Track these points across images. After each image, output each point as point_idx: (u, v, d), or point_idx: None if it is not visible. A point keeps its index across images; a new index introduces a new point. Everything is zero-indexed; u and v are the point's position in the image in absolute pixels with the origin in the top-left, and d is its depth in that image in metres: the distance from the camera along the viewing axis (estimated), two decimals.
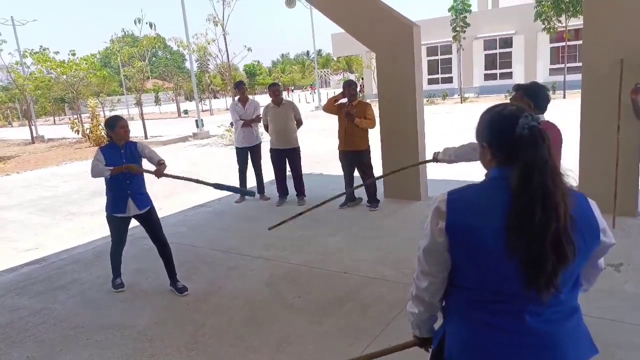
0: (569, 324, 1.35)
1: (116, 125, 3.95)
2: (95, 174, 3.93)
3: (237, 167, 7.13)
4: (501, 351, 1.33)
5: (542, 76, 26.91)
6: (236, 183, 7.24)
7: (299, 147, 6.66)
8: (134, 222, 4.22)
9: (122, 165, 3.91)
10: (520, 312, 1.31)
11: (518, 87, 2.96)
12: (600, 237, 1.35)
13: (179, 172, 4.22)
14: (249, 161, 7.05)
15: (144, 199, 4.10)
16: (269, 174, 7.12)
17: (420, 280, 1.47)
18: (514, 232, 1.25)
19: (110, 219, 4.13)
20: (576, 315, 1.37)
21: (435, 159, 3.19)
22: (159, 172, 4.06)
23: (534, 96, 2.87)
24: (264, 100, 7.55)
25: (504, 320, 1.32)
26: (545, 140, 1.28)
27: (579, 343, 1.36)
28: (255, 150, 7.01)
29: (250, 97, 7.37)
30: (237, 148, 7.08)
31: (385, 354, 1.83)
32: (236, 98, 7.19)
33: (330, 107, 6.14)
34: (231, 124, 7.06)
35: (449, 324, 1.45)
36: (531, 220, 1.23)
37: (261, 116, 6.87)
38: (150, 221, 4.15)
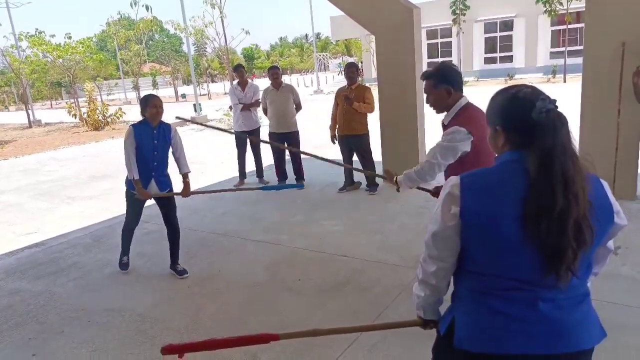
0: (580, 309, 1.34)
1: (148, 104, 3.86)
2: (126, 163, 3.90)
3: (236, 151, 7.11)
4: (514, 340, 1.30)
5: (542, 60, 26.75)
6: (235, 167, 7.23)
7: (298, 131, 6.64)
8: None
9: (143, 189, 3.94)
10: (534, 300, 1.29)
11: (427, 76, 2.61)
12: (615, 218, 1.33)
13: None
14: (248, 145, 7.03)
15: (166, 181, 4.10)
16: (267, 158, 7.11)
17: (428, 264, 1.45)
18: (533, 220, 1.22)
19: (129, 195, 4.12)
20: (587, 300, 1.36)
21: (394, 181, 2.89)
22: (186, 192, 4.12)
23: (449, 79, 2.54)
24: (262, 84, 7.50)
25: (518, 308, 1.30)
26: (564, 123, 1.25)
27: (590, 328, 1.35)
28: (254, 135, 6.98)
29: (250, 80, 7.31)
30: (235, 132, 7.05)
31: (387, 328, 1.85)
32: (235, 82, 7.14)
33: (334, 118, 6.15)
34: (230, 107, 7.02)
35: (459, 310, 1.42)
36: (552, 208, 1.20)
37: (260, 100, 6.84)
38: (167, 203, 4.14)
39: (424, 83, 2.63)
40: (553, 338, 1.29)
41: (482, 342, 1.34)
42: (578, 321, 1.33)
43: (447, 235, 1.36)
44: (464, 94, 2.63)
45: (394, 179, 2.88)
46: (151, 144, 3.92)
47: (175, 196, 4.17)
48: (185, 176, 4.15)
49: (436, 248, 1.40)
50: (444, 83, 2.54)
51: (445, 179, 2.70)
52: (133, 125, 3.96)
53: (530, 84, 1.38)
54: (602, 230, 1.30)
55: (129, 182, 4.04)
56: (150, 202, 4.19)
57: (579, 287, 1.33)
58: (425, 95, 2.68)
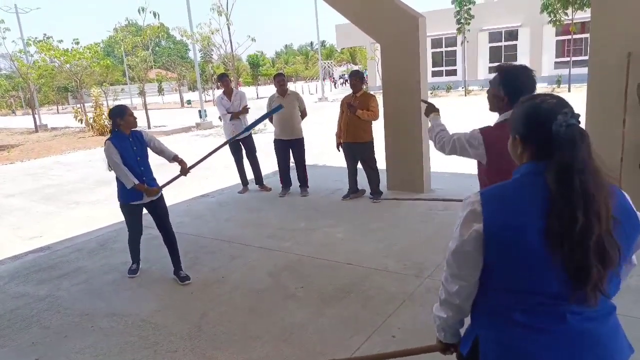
0: (609, 322, 1.31)
1: (125, 113, 3.97)
2: (119, 174, 3.95)
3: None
4: (547, 354, 1.26)
5: (547, 69, 26.75)
6: (236, 176, 7.24)
7: (303, 138, 6.65)
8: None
9: (142, 185, 4.00)
10: (563, 313, 1.26)
11: (496, 68, 2.29)
12: None
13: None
14: (244, 153, 7.03)
15: (156, 185, 4.15)
16: (266, 164, 7.11)
17: (450, 284, 1.40)
18: (555, 239, 1.19)
19: (125, 207, 4.17)
20: (614, 313, 1.33)
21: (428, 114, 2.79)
22: (185, 171, 4.21)
23: (509, 86, 2.19)
24: (269, 91, 7.53)
25: (548, 322, 1.27)
26: (585, 140, 1.22)
27: (619, 342, 1.32)
28: (247, 141, 6.96)
29: (238, 88, 7.36)
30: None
31: (405, 355, 1.75)
32: (220, 91, 7.15)
33: (340, 125, 6.15)
34: (220, 117, 7.06)
35: (483, 328, 1.38)
36: (573, 227, 1.17)
37: (248, 107, 6.93)
38: (159, 208, 4.19)
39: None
40: (583, 351, 1.26)
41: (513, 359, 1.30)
42: (608, 333, 1.30)
43: (468, 252, 1.32)
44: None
45: (430, 114, 2.78)
46: (131, 151, 3.99)
47: (165, 202, 4.30)
48: (176, 157, 4.22)
49: (458, 266, 1.36)
50: (505, 89, 2.24)
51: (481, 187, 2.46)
52: (109, 139, 3.99)
53: (556, 95, 1.34)
54: (629, 245, 1.27)
55: (122, 195, 4.09)
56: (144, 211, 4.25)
57: (607, 299, 1.30)
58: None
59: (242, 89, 7.21)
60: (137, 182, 3.95)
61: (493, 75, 2.32)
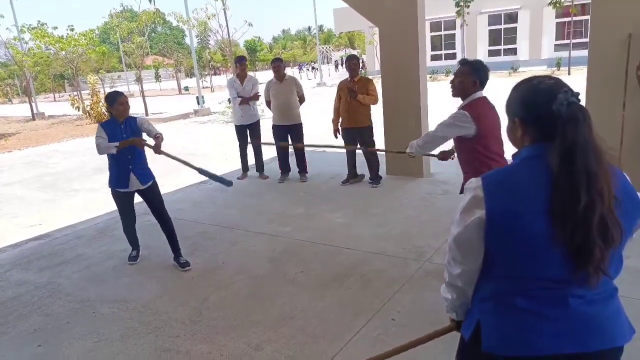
0: (612, 304, 1.30)
1: (115, 101, 3.96)
2: (101, 151, 3.94)
3: (237, 144, 7.09)
4: (545, 340, 1.26)
5: (547, 52, 26.59)
6: (237, 160, 7.23)
7: (301, 123, 6.61)
8: (138, 197, 4.24)
9: (125, 140, 3.93)
10: (564, 297, 1.26)
11: (465, 62, 2.97)
12: None
13: (181, 149, 4.21)
14: (249, 139, 7.00)
15: (146, 174, 4.13)
16: (268, 151, 7.08)
17: (453, 267, 1.41)
18: (558, 219, 1.18)
19: (115, 194, 4.18)
20: (616, 295, 1.33)
21: (404, 152, 3.33)
22: (157, 146, 4.05)
23: (481, 74, 2.89)
24: (266, 76, 7.45)
25: (548, 306, 1.26)
26: (586, 117, 1.21)
27: (622, 325, 1.31)
28: (254, 128, 6.91)
29: (251, 73, 7.22)
30: (236, 126, 7.00)
31: (423, 342, 1.72)
32: (234, 74, 7.03)
33: (336, 111, 6.11)
34: (229, 100, 6.95)
35: (484, 313, 1.37)
36: (576, 205, 1.16)
37: (259, 94, 6.81)
38: (152, 196, 4.18)
39: (459, 67, 2.95)
40: (586, 335, 1.26)
41: (512, 345, 1.30)
42: (610, 316, 1.29)
43: (470, 238, 1.32)
44: (483, 90, 2.98)
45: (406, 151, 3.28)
46: (120, 138, 3.95)
47: (160, 190, 4.26)
48: (156, 135, 4.06)
49: (459, 251, 1.37)
50: (476, 75, 2.89)
51: (463, 170, 3.12)
52: (101, 123, 4.05)
53: (553, 76, 1.33)
54: (631, 224, 1.27)
55: (110, 181, 4.11)
56: (140, 198, 4.23)
57: (609, 282, 1.30)
58: (453, 77, 3.00)
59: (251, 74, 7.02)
60: (117, 143, 3.88)
61: (459, 66, 2.94)
